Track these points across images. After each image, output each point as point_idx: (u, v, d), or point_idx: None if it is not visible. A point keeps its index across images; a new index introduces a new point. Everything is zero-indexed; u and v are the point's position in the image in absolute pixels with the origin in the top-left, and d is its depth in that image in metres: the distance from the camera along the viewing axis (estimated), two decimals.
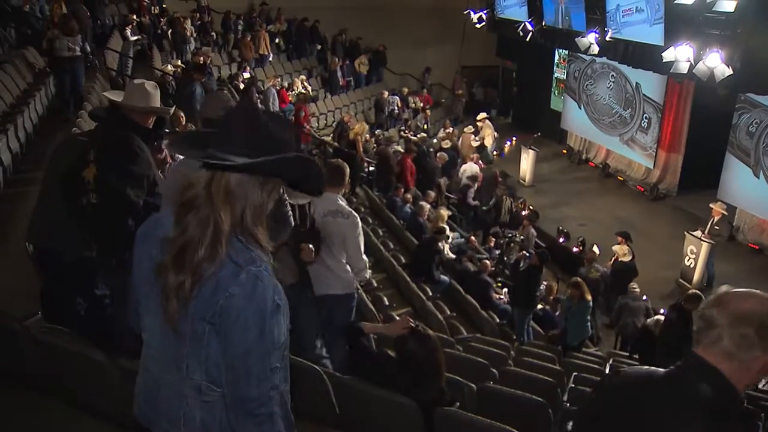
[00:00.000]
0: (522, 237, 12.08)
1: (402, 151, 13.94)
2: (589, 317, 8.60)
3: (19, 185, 6.74)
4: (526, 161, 16.78)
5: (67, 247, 3.73)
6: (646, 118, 15.87)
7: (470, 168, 14.39)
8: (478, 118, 17.69)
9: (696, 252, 11.18)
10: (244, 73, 16.13)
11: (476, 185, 13.98)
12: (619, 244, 11.25)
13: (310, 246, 4.05)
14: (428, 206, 11.69)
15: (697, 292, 7.90)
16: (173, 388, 1.71)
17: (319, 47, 19.75)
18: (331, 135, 14.81)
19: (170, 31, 16.02)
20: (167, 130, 4.17)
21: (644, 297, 10.15)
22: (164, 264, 1.62)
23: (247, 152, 1.62)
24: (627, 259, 11.04)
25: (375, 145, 15.31)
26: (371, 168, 13.81)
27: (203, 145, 1.66)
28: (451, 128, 18.07)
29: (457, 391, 4.03)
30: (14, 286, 4.60)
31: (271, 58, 18.16)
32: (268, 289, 1.61)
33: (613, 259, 11.25)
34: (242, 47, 17.44)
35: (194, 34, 16.34)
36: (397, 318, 3.95)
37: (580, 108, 18.11)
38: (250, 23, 18.34)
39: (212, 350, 1.63)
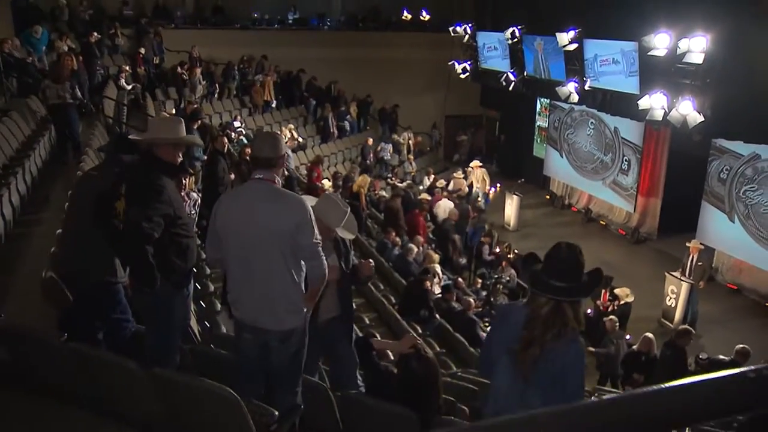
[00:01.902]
0: (508, 278, 12.41)
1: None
2: None
3: (26, 225, 7.05)
4: (511, 207, 17.23)
5: (86, 272, 4.04)
6: (626, 160, 16.41)
7: (444, 204, 14.98)
8: (472, 164, 18.25)
9: (676, 292, 11.53)
10: (235, 122, 16.69)
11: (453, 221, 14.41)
12: (616, 288, 11.54)
13: (370, 261, 4.46)
14: (416, 248, 12.04)
15: (687, 327, 8.27)
16: None
17: (314, 100, 20.45)
18: (334, 187, 15.27)
19: (177, 78, 16.85)
20: None
21: (628, 336, 10.44)
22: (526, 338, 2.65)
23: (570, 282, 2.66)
24: (630, 299, 11.29)
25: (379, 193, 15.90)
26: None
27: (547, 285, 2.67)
28: (433, 176, 18.61)
29: (452, 410, 4.30)
30: (27, 314, 4.86)
31: (274, 105, 19.10)
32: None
33: (615, 302, 11.42)
34: (254, 93, 18.61)
35: (202, 82, 17.05)
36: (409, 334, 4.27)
37: (562, 157, 18.68)
38: (243, 73, 19.03)
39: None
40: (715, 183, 13.44)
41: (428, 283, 10.25)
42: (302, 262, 3.59)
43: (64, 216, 4.48)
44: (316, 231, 3.54)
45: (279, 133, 17.00)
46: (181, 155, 3.95)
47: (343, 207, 4.14)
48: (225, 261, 3.72)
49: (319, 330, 4.06)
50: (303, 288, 3.63)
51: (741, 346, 8.19)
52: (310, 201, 3.96)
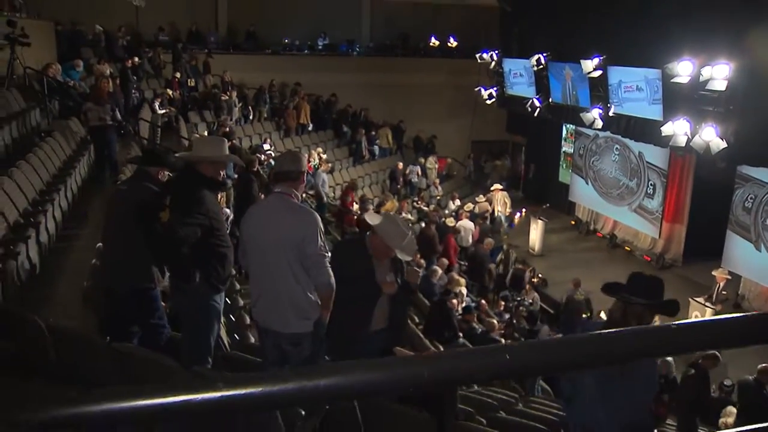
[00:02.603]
0: (530, 301, 12.51)
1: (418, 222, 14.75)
2: None
3: (67, 240, 7.42)
4: (536, 231, 17.32)
5: (125, 279, 4.34)
6: (651, 184, 16.45)
7: (465, 225, 15.40)
8: (493, 188, 18.47)
9: (700, 317, 11.53)
10: (264, 145, 17.10)
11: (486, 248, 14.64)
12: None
13: (416, 269, 4.80)
14: (440, 271, 12.21)
15: (715, 351, 8.30)
16: None
17: (346, 126, 20.95)
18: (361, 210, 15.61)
19: (216, 100, 17.53)
20: None
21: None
22: None
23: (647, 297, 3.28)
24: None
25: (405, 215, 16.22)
26: None
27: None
28: (459, 200, 18.84)
29: (471, 418, 4.47)
30: (69, 321, 5.16)
31: (311, 128, 19.72)
32: None
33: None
34: (287, 116, 19.25)
35: (237, 104, 17.70)
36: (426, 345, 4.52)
37: (587, 183, 18.77)
38: (272, 97, 19.65)
39: None
40: (740, 212, 13.43)
41: (452, 303, 10.42)
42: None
43: (101, 230, 4.83)
44: (321, 243, 3.86)
45: (305, 154, 17.45)
46: (223, 172, 4.28)
47: (405, 229, 4.33)
48: (248, 267, 4.08)
49: (371, 338, 4.33)
50: (313, 296, 3.90)
51: (764, 365, 8.20)
52: (373, 219, 4.27)
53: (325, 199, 15.04)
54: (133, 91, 15.02)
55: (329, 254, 3.96)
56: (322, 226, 3.96)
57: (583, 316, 12.12)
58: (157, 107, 14.95)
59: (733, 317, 1.18)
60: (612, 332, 1.28)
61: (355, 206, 15.03)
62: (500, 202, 18.11)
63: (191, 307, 4.13)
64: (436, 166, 21.19)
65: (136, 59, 16.07)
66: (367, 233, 4.42)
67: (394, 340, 4.56)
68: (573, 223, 19.52)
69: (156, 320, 4.41)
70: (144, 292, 4.34)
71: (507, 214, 18.09)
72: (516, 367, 1.11)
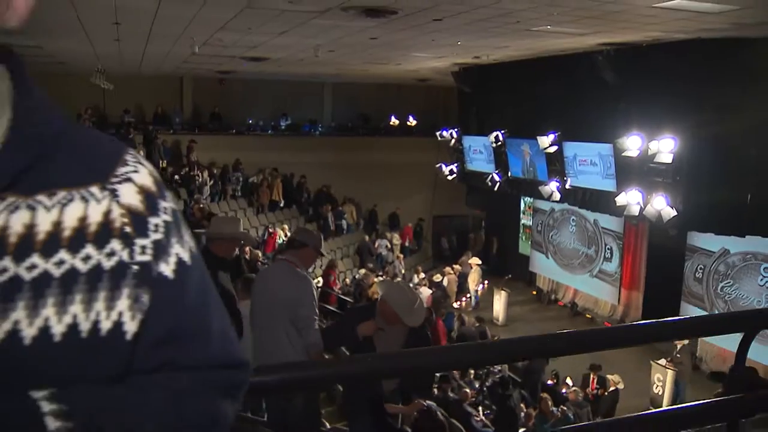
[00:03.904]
0: (501, 369, 12.72)
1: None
2: None
3: None
4: (499, 302, 17.71)
5: None
6: (608, 248, 17.04)
7: (423, 292, 15.63)
8: (471, 261, 19.05)
9: (662, 379, 11.92)
10: None
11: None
12: (610, 375, 11.94)
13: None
14: None
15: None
16: None
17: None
18: (352, 294, 15.82)
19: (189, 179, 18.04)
20: None
21: None
22: None
23: None
24: (621, 386, 11.67)
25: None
26: None
27: None
28: (422, 273, 19.22)
29: None
30: None
31: (282, 204, 20.34)
32: None
33: (608, 388, 11.80)
34: (260, 194, 19.89)
35: (209, 182, 18.17)
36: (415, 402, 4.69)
37: (548, 258, 19.36)
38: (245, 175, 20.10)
39: None
40: (692, 283, 14.03)
41: None
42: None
43: None
44: (314, 307, 4.16)
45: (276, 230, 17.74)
46: (237, 250, 4.58)
47: (411, 296, 4.51)
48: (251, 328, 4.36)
49: (385, 397, 4.51)
50: (303, 356, 4.12)
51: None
52: (382, 287, 4.54)
53: None
54: None
55: (317, 318, 4.26)
56: (315, 293, 4.27)
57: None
58: None
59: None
60: None
61: (338, 285, 15.29)
62: (474, 276, 18.58)
63: None
64: (399, 241, 21.61)
65: None
66: (377, 300, 4.53)
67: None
68: (534, 293, 20.00)
69: None
70: None
71: (475, 288, 18.55)
72: None
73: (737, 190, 10.34)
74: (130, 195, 0.87)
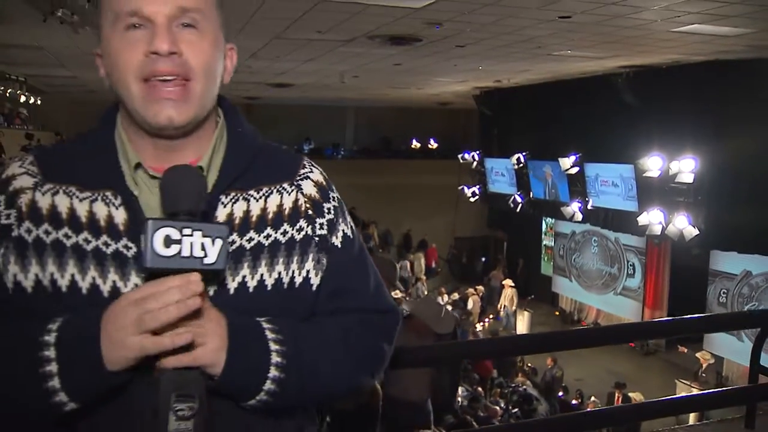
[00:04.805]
0: (525, 387, 12.84)
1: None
2: None
3: None
4: (522, 323, 17.83)
5: None
6: (630, 264, 17.06)
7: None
8: (504, 282, 19.18)
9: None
10: None
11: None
12: (634, 393, 11.99)
13: None
14: None
15: None
16: None
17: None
18: None
19: None
20: None
21: None
22: None
23: None
24: None
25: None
26: None
27: None
28: (446, 295, 19.34)
29: None
30: None
31: None
32: None
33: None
34: None
35: None
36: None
37: (571, 281, 19.39)
38: None
39: None
40: (716, 308, 13.94)
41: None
42: None
43: None
44: None
45: None
46: None
47: (437, 306, 4.78)
48: None
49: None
50: None
51: None
52: (408, 305, 4.76)
53: None
54: None
55: None
56: None
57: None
58: None
59: None
60: None
61: None
62: (508, 297, 18.69)
63: None
64: (423, 262, 21.78)
65: None
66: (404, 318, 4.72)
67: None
68: (557, 313, 20.04)
69: None
70: None
71: (513, 309, 18.64)
72: None
73: (760, 209, 10.38)
74: (309, 188, 1.31)
